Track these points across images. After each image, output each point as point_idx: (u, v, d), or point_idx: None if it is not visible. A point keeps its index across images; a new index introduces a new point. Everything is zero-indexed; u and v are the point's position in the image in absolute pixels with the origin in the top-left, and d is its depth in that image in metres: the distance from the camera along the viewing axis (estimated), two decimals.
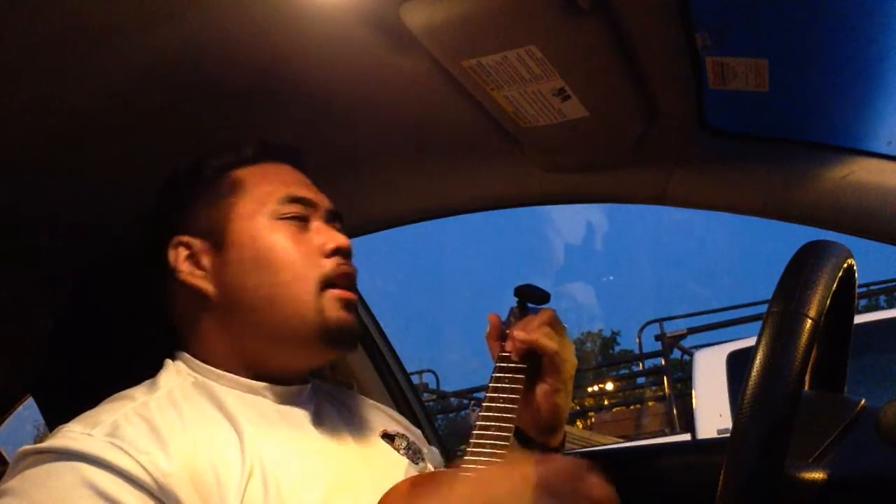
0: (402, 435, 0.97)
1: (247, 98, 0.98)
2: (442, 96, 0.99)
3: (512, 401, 0.87)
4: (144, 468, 0.71)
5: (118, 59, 0.85)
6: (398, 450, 0.94)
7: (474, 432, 0.85)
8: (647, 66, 0.90)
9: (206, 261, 0.88)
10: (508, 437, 0.84)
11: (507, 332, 0.95)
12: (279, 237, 0.87)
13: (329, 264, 0.87)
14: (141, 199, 0.95)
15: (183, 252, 0.88)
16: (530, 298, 1.02)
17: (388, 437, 0.95)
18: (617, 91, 0.93)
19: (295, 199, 0.89)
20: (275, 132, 1.02)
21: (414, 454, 0.95)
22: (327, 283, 0.86)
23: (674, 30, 0.85)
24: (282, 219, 0.88)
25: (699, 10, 0.84)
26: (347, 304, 0.87)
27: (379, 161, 1.19)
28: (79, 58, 0.83)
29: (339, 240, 0.88)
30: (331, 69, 0.94)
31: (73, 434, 0.73)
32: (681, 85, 0.95)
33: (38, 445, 0.74)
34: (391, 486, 0.82)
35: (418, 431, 1.04)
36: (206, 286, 0.87)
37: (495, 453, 0.82)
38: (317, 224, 0.90)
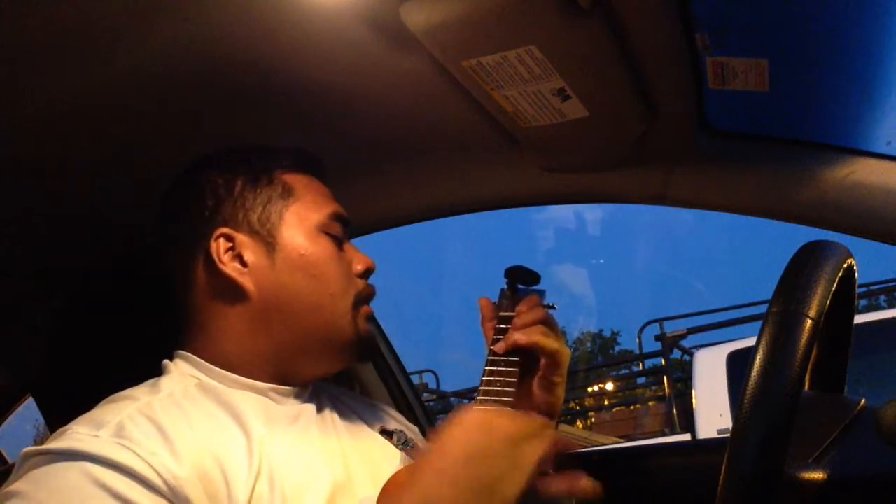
0: (400, 431, 0.98)
1: (247, 98, 0.98)
2: (442, 96, 0.99)
3: (507, 393, 0.88)
4: (154, 469, 0.71)
5: (118, 58, 0.85)
6: (396, 445, 0.94)
7: None
8: (647, 66, 0.90)
9: (250, 257, 0.88)
10: None
11: (501, 315, 0.96)
12: (325, 250, 0.90)
13: (360, 284, 0.93)
14: (142, 199, 0.95)
15: (224, 244, 0.88)
16: (521, 279, 1.02)
17: (387, 434, 0.96)
18: (617, 91, 0.93)
19: (340, 218, 0.93)
20: (275, 132, 1.02)
21: (412, 450, 0.95)
22: (360, 301, 0.92)
23: (674, 30, 0.85)
24: (325, 233, 0.91)
25: (699, 10, 0.84)
26: (371, 319, 0.94)
27: (379, 161, 1.19)
28: (79, 58, 0.83)
29: (369, 262, 0.94)
30: (331, 69, 0.94)
31: (78, 435, 0.73)
32: (681, 85, 0.95)
33: (43, 447, 0.73)
34: (391, 476, 0.82)
35: (416, 428, 1.04)
36: (247, 283, 0.87)
37: None
38: (347, 245, 0.95)
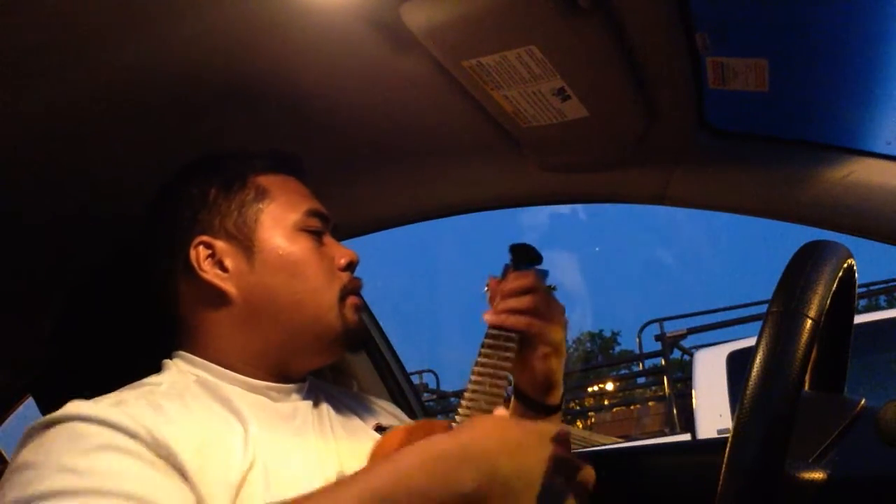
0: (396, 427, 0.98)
1: (247, 98, 0.98)
2: (442, 96, 0.99)
3: (505, 358, 0.90)
4: (149, 430, 0.71)
5: (118, 59, 0.85)
6: None
7: (468, 386, 0.87)
8: (647, 66, 0.90)
9: (230, 263, 0.89)
10: (501, 392, 0.87)
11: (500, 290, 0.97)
12: (303, 247, 0.91)
13: (345, 277, 0.93)
14: (141, 199, 0.95)
15: (204, 252, 0.89)
16: (523, 257, 1.03)
17: (382, 430, 0.96)
18: (617, 91, 0.93)
19: (317, 214, 0.94)
20: (275, 132, 1.03)
21: None
22: (346, 293, 0.92)
23: (674, 30, 0.85)
24: (303, 230, 0.92)
25: (699, 10, 0.84)
26: (358, 309, 0.94)
27: (379, 161, 1.19)
28: (79, 58, 0.83)
29: (352, 255, 0.95)
30: (331, 69, 0.94)
31: (76, 403, 0.73)
32: (681, 85, 0.95)
33: (43, 418, 0.73)
34: (387, 433, 0.84)
35: (411, 422, 1.04)
36: (230, 288, 0.88)
37: (490, 410, 0.84)
38: (328, 238, 0.95)
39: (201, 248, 0.89)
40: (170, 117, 0.98)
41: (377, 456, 0.81)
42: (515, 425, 0.73)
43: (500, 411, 0.81)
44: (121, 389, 0.81)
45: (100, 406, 0.73)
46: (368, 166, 1.20)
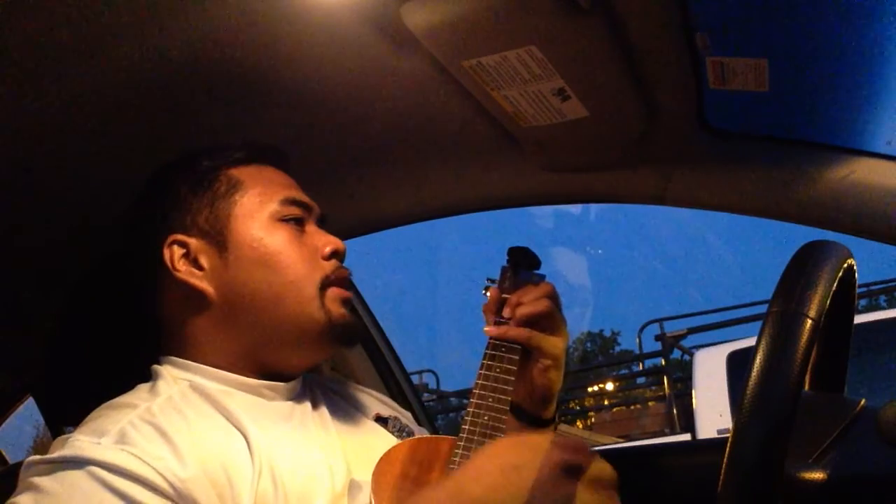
0: (395, 417, 0.98)
1: (247, 98, 0.98)
2: (442, 96, 0.99)
3: (507, 371, 0.90)
4: (160, 474, 0.70)
5: (117, 58, 0.85)
6: (392, 432, 0.94)
7: (471, 400, 0.88)
8: (647, 66, 0.90)
9: (204, 260, 0.87)
10: (504, 407, 0.87)
11: (502, 297, 0.97)
12: (281, 238, 0.87)
13: (328, 266, 0.89)
14: None
15: (178, 251, 0.87)
16: (522, 261, 1.03)
17: (382, 421, 0.96)
18: (617, 91, 0.93)
19: (294, 202, 0.90)
20: (275, 132, 1.02)
21: (407, 435, 0.96)
22: (327, 283, 0.88)
23: (674, 30, 0.85)
24: (281, 220, 0.89)
25: (699, 10, 0.84)
26: (346, 302, 0.90)
27: (379, 161, 1.19)
28: (78, 58, 0.83)
29: (337, 243, 0.91)
30: (331, 69, 0.94)
31: (80, 443, 0.72)
32: (681, 85, 0.95)
33: (47, 456, 0.72)
34: (391, 448, 0.84)
35: (409, 414, 1.05)
36: (206, 286, 0.86)
37: (495, 426, 0.85)
38: (311, 227, 0.92)
39: (175, 247, 0.87)
40: (170, 117, 0.98)
41: (383, 466, 0.81)
42: (509, 451, 0.72)
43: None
44: (117, 408, 0.79)
45: (107, 450, 0.71)
46: (368, 166, 1.20)
